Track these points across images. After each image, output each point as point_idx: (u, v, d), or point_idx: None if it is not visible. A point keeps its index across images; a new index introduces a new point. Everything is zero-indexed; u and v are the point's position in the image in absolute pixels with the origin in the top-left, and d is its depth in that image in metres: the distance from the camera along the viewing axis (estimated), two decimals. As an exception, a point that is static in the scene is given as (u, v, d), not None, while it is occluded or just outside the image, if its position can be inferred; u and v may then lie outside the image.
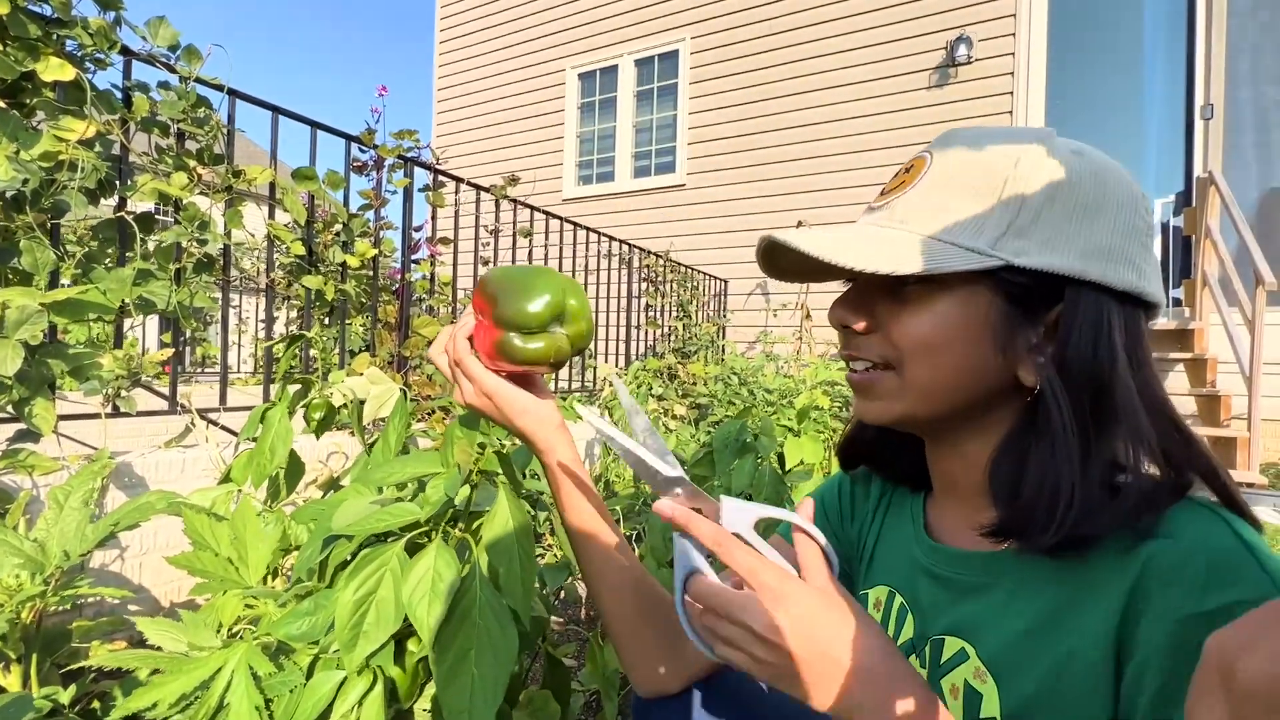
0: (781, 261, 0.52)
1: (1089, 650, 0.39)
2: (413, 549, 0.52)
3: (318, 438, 1.20)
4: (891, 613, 0.52)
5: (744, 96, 5.38)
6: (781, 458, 1.19)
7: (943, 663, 0.47)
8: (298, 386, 1.12)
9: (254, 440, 1.07)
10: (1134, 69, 4.35)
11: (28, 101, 1.26)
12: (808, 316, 4.61)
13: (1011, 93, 4.46)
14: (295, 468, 1.12)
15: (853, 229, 0.47)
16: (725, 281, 5.25)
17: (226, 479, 1.06)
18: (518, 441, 0.65)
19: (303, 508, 0.72)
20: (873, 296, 0.47)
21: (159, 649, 0.65)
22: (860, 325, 0.47)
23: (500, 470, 0.53)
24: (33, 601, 0.78)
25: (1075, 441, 0.41)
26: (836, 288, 0.51)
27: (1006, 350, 0.44)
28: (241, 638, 0.65)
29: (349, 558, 0.61)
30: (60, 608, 0.80)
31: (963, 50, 4.51)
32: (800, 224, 4.85)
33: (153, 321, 4.80)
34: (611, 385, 2.99)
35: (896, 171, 0.50)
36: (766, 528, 0.53)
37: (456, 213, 2.43)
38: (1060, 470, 0.41)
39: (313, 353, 1.29)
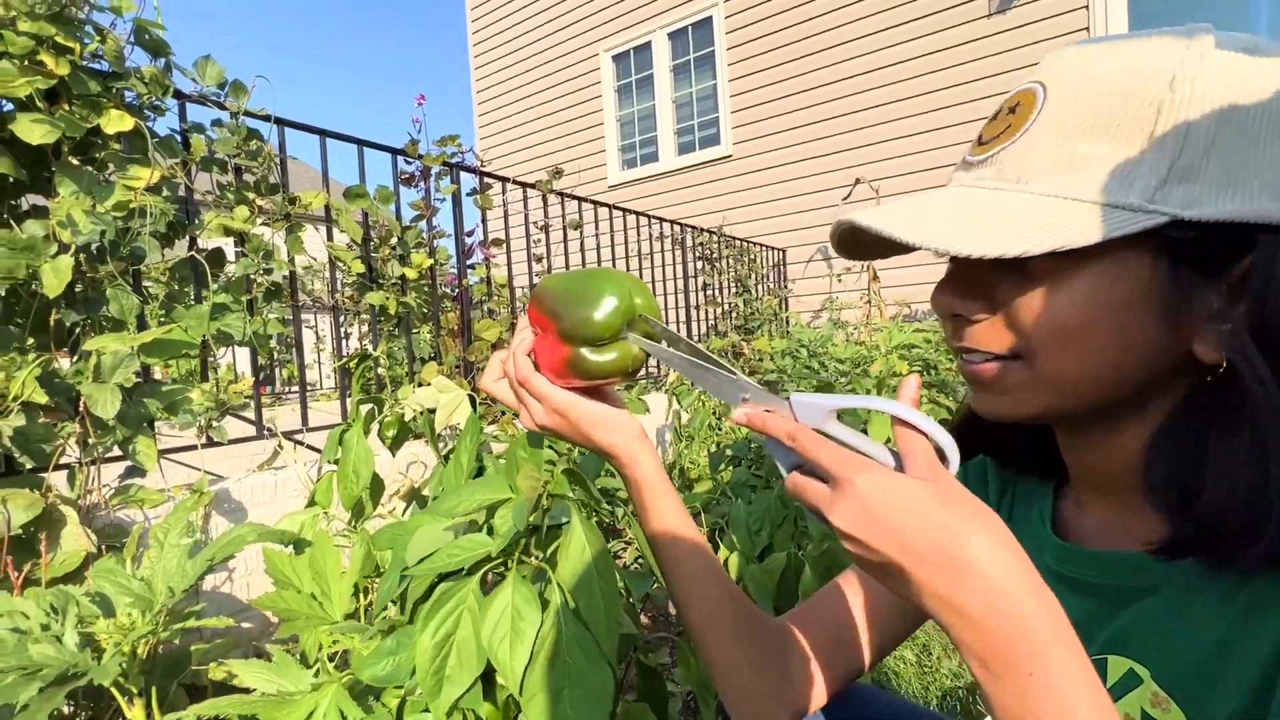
0: (865, 240, 0.44)
1: None
2: (489, 576, 0.49)
3: (393, 455, 1.21)
4: None
5: (785, 55, 5.13)
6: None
7: (1110, 688, 0.39)
8: (369, 406, 1.13)
9: (335, 463, 1.09)
10: (1233, -42, 3.83)
11: (97, 156, 1.32)
12: (875, 278, 4.38)
13: (1087, 6, 4.03)
14: (376, 485, 1.13)
15: (951, 198, 0.39)
16: (783, 251, 5.06)
17: (313, 502, 1.08)
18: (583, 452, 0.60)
19: (380, 532, 0.71)
20: (988, 275, 0.39)
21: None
22: (977, 314, 0.39)
23: (570, 492, 0.49)
24: (146, 638, 0.81)
25: None
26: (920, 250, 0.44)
27: (1179, 323, 0.35)
28: (328, 674, 0.64)
29: (431, 585, 0.58)
30: (171, 641, 0.83)
31: (1026, -32, 4.10)
32: (858, 182, 4.60)
33: (244, 349, 5.11)
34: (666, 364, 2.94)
35: (997, 111, 0.41)
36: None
37: (505, 213, 2.42)
38: (1270, 467, 0.32)
39: (380, 370, 1.30)
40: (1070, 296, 0.35)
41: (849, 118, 4.82)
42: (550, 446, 0.56)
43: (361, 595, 0.96)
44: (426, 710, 0.49)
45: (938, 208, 0.38)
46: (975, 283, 0.39)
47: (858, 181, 4.59)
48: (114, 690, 0.81)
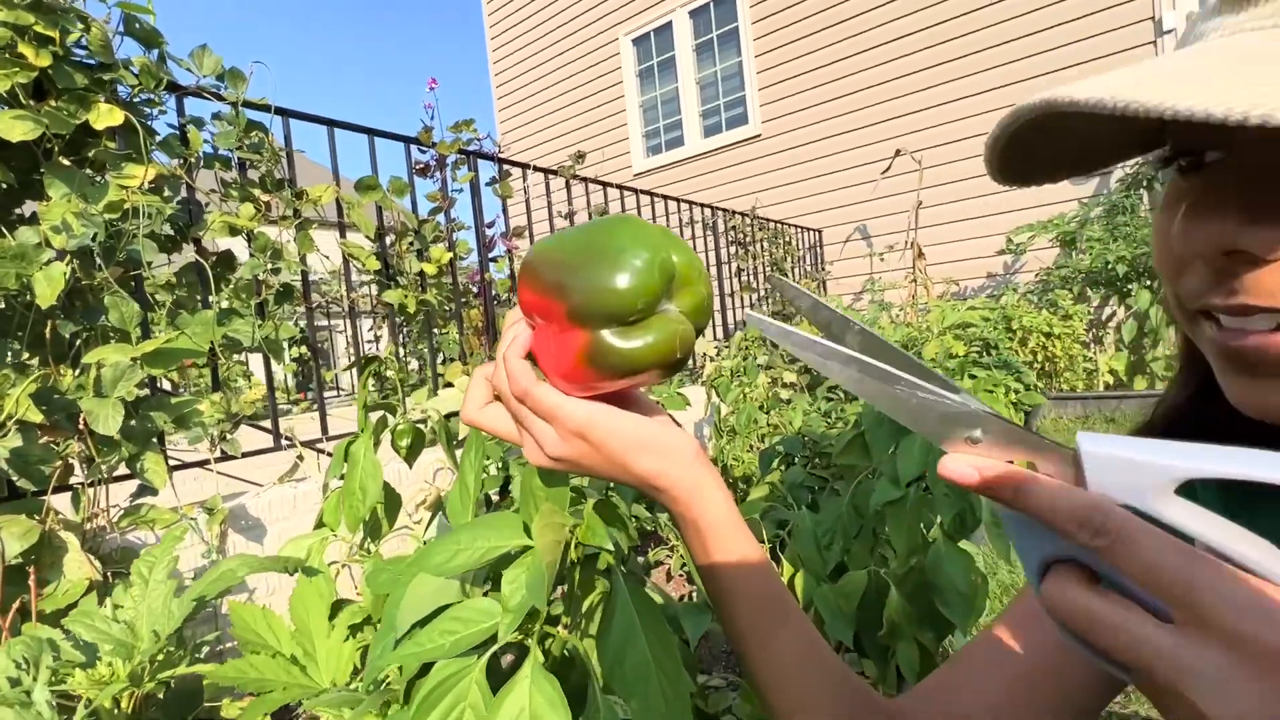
0: (1047, 145, 0.28)
1: None
2: (501, 651, 0.36)
3: (410, 466, 1.10)
4: None
5: (814, 24, 4.88)
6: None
7: None
8: (379, 413, 1.01)
9: (343, 478, 0.98)
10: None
11: (90, 155, 1.23)
12: (920, 255, 4.13)
13: (1148, -54, 3.69)
14: (392, 501, 1.02)
15: (1221, 53, 0.23)
16: (819, 231, 4.84)
17: (321, 523, 0.97)
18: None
19: (376, 571, 0.59)
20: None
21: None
22: (1276, 250, 0.23)
23: (609, 540, 0.36)
24: (128, 689, 0.70)
25: None
26: (1030, 200, 0.28)
27: None
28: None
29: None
30: (157, 692, 0.72)
31: (1077, -91, 3.78)
32: (898, 153, 4.34)
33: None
34: (713, 360, 2.77)
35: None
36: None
37: (527, 201, 2.30)
38: None
39: (390, 373, 1.19)
40: None
41: (885, 86, 4.55)
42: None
43: (377, 626, 0.84)
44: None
45: (1206, 65, 0.22)
46: (1266, 203, 0.23)
47: (898, 153, 4.33)
48: (95, 751, 0.71)
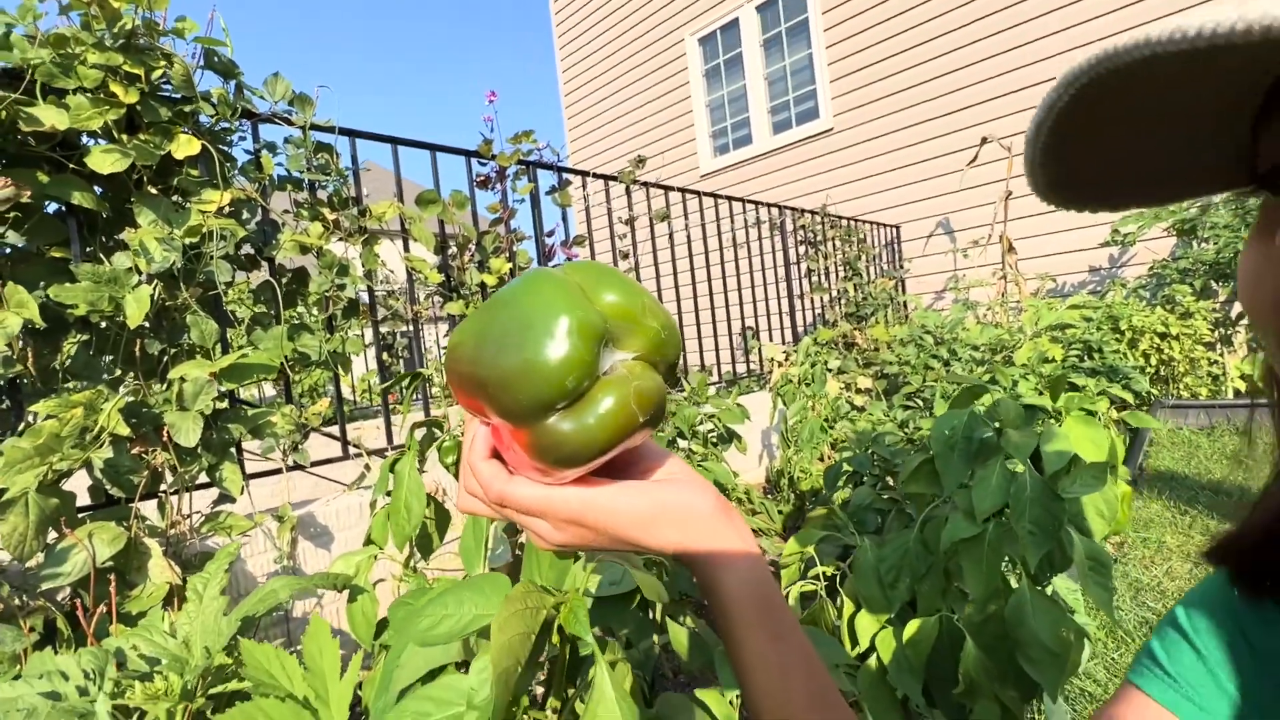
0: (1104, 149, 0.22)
1: None
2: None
3: (458, 480, 1.09)
4: None
5: (891, 8, 4.63)
6: (1037, 457, 0.81)
7: None
8: (424, 431, 1.01)
9: (389, 494, 0.98)
10: None
11: (173, 183, 1.32)
12: (1010, 249, 3.82)
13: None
14: (442, 516, 1.02)
15: None
16: (896, 227, 4.58)
17: (369, 540, 0.98)
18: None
19: (396, 605, 0.57)
20: None
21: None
22: None
23: (588, 634, 0.31)
24: (181, 704, 0.73)
25: None
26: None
27: None
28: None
29: None
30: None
31: None
32: (985, 141, 4.04)
33: (370, 356, 5.42)
34: (780, 365, 2.66)
35: None
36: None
37: (587, 209, 2.29)
38: None
39: (436, 389, 1.20)
40: None
41: (969, 70, 4.25)
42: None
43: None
44: None
45: None
46: None
47: (984, 141, 4.03)
48: (153, 762, 0.73)
